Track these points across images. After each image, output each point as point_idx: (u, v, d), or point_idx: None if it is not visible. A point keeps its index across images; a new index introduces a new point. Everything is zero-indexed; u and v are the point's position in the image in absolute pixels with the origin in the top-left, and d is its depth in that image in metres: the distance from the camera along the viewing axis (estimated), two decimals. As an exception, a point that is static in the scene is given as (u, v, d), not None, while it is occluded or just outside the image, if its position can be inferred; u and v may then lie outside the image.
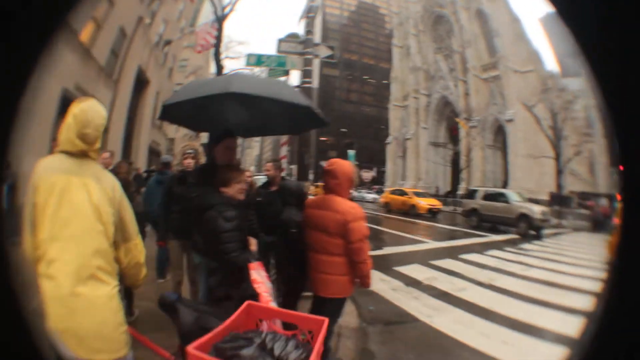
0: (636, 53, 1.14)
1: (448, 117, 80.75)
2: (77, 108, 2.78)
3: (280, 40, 12.86)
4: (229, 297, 3.86)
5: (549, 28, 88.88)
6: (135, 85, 27.52)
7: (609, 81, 1.20)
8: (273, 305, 3.65)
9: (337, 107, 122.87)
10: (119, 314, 2.75)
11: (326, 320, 2.87)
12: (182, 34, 38.51)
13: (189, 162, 6.71)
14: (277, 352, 2.51)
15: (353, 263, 4.44)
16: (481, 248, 17.09)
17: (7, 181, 1.85)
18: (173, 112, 5.23)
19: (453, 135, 78.88)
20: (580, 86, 49.80)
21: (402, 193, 40.22)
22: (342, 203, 4.50)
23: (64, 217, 2.62)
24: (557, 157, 48.66)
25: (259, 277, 3.88)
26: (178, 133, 43.42)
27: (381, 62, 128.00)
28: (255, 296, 3.58)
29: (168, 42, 34.45)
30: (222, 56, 37.70)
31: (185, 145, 6.99)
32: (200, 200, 4.35)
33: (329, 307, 4.42)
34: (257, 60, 13.99)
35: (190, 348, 2.34)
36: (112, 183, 2.92)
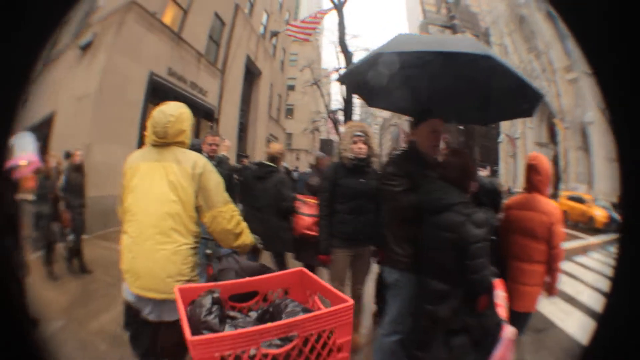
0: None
1: (547, 117, 76.15)
2: (154, 111, 3.31)
3: (427, 23, 10.91)
4: (465, 329, 3.07)
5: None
6: (246, 76, 25.75)
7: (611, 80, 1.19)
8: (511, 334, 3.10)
9: None
10: (182, 267, 3.10)
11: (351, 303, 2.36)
12: (288, 25, 35.86)
13: (361, 148, 5.03)
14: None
15: (551, 271, 3.96)
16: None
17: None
18: (353, 78, 4.60)
19: (551, 136, 74.16)
20: None
21: (581, 200, 34.13)
22: (547, 203, 4.05)
23: (142, 191, 3.16)
24: None
25: (500, 299, 3.30)
26: (297, 127, 41.56)
27: None
28: (499, 325, 3.16)
29: (275, 34, 32.09)
30: (338, 48, 36.23)
31: (353, 126, 5.28)
32: (431, 198, 3.39)
33: (520, 324, 3.68)
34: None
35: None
36: (193, 162, 3.22)
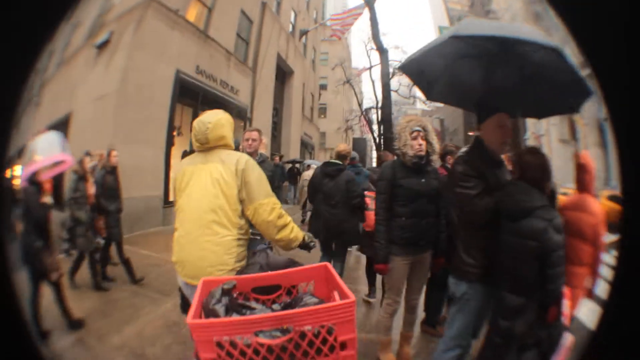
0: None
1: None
2: (194, 122, 3.67)
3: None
4: (538, 344, 2.94)
5: None
6: (277, 75, 25.56)
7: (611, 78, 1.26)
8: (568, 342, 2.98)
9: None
10: (224, 257, 3.38)
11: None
12: (318, 24, 36.47)
13: (421, 145, 4.59)
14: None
15: (593, 273, 3.79)
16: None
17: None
18: (416, 66, 4.30)
19: (572, 132, 72.01)
20: None
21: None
22: (595, 203, 3.90)
23: (190, 191, 3.54)
24: None
25: (565, 307, 3.11)
26: (330, 127, 41.21)
27: None
28: (563, 334, 3.07)
29: (304, 32, 32.37)
30: (369, 47, 36.18)
31: (411, 121, 4.77)
32: (512, 201, 3.17)
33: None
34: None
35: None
36: (236, 159, 3.55)
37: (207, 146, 3.62)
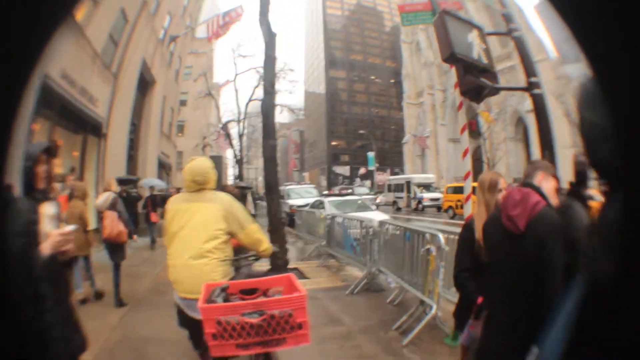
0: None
1: (468, 110, 77.16)
2: (191, 164, 4.76)
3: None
4: None
5: (543, 16, 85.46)
6: (139, 85, 24.38)
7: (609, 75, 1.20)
8: None
9: (346, 110, 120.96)
10: (211, 274, 4.41)
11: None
12: (188, 31, 35.28)
13: None
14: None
15: None
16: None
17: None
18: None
19: (472, 130, 74.77)
20: (580, 72, 48.47)
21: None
22: None
23: (182, 224, 4.59)
24: None
25: None
26: (188, 145, 40.62)
27: (387, 61, 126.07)
28: None
29: (174, 38, 31.58)
30: (236, 54, 36.08)
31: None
32: None
33: None
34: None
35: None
36: (221, 199, 4.76)
37: (201, 187, 4.70)
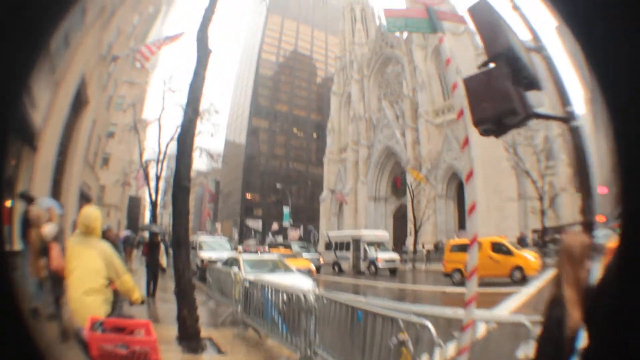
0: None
1: (392, 168, 78.14)
2: (83, 210, 6.11)
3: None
4: None
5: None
6: (73, 102, 22.21)
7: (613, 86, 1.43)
8: None
9: (264, 162, 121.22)
10: (97, 310, 5.54)
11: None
12: (130, 53, 33.87)
13: None
14: None
15: None
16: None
17: None
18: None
19: (397, 188, 76.33)
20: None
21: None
22: None
23: (78, 266, 5.81)
24: (541, 198, 47.58)
25: None
26: (110, 179, 38.94)
27: (312, 114, 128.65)
28: None
29: (115, 59, 30.15)
30: (166, 87, 35.21)
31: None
32: None
33: None
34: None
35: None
36: (103, 249, 5.99)
37: (89, 233, 5.98)
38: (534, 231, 49.83)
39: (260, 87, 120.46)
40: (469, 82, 6.17)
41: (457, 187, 65.07)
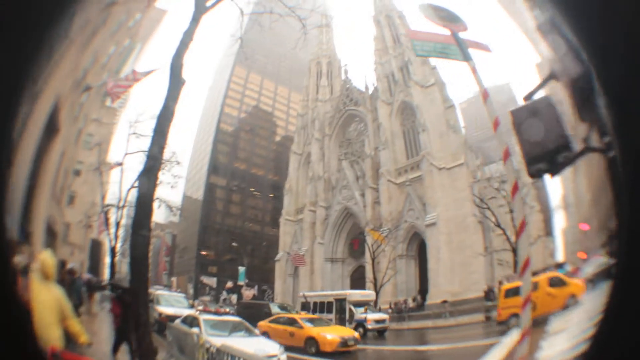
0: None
1: (350, 229, 77.96)
2: (41, 254, 6.78)
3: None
4: None
5: (467, 114, 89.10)
6: (45, 129, 20.96)
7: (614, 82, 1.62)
8: None
9: (219, 220, 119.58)
10: (56, 342, 6.31)
11: None
12: (103, 85, 33.09)
13: None
14: None
15: None
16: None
17: None
18: None
19: (354, 249, 76.50)
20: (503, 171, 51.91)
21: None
22: None
23: (39, 302, 6.15)
24: (513, 249, 44.87)
25: None
26: (74, 219, 37.49)
27: (270, 174, 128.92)
28: None
29: (88, 88, 28.49)
30: (131, 131, 34.58)
31: None
32: None
33: None
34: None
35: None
36: (55, 292, 6.72)
37: (44, 276, 6.61)
38: (500, 282, 49.83)
39: (219, 143, 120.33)
40: (516, 115, 5.69)
41: (419, 246, 65.26)
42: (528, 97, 5.49)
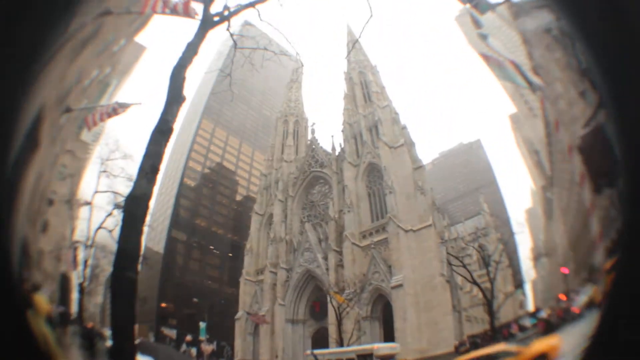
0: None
1: (312, 291, 77.88)
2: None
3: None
4: None
5: (433, 174, 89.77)
6: (29, 132, 20.37)
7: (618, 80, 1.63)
8: None
9: (179, 275, 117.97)
10: None
11: None
12: (83, 109, 32.35)
13: None
14: None
15: None
16: None
17: None
18: None
19: (316, 311, 76.06)
20: (469, 229, 52.27)
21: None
22: None
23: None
24: (489, 303, 46.12)
25: None
26: (47, 246, 36.26)
27: (229, 233, 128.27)
28: None
29: (68, 110, 27.73)
30: (102, 168, 33.90)
31: None
32: None
33: None
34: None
35: None
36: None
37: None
38: (470, 336, 49.57)
39: (182, 197, 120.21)
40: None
41: (383, 307, 64.92)
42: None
